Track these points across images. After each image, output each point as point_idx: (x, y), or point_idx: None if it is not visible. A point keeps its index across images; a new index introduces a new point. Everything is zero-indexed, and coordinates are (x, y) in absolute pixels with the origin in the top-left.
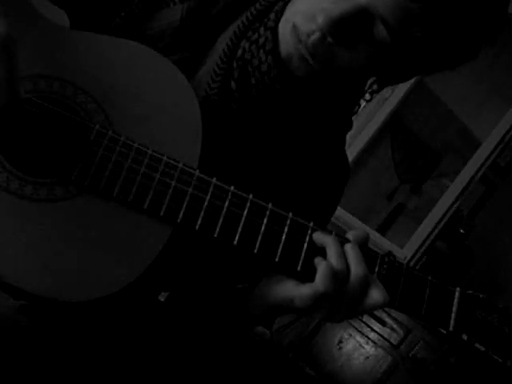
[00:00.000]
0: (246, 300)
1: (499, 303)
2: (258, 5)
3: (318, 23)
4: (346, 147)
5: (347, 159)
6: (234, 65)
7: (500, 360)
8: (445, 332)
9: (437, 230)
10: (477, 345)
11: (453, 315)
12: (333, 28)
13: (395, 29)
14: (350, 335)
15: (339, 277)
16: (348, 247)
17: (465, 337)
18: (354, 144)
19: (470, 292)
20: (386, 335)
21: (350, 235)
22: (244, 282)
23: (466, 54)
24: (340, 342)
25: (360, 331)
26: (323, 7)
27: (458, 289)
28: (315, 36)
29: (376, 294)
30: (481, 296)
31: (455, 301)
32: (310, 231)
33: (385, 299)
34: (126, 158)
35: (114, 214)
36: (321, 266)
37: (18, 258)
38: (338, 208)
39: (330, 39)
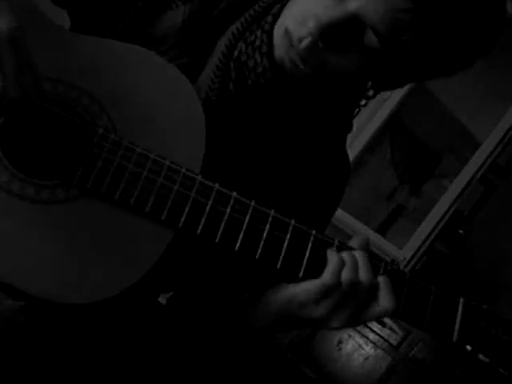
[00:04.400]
0: (249, 310)
1: (498, 303)
2: (256, 7)
3: (309, 28)
4: (346, 147)
5: (348, 160)
6: (232, 66)
7: (504, 372)
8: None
9: (436, 231)
10: (481, 356)
11: (456, 326)
12: (323, 34)
13: (385, 37)
14: (350, 336)
15: (348, 272)
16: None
17: (469, 348)
18: (354, 144)
19: (474, 303)
20: (385, 336)
21: (353, 242)
22: (247, 291)
23: (460, 63)
24: (339, 342)
25: (359, 332)
26: (314, 13)
27: (461, 299)
28: (306, 41)
29: (385, 300)
30: (485, 307)
31: (459, 311)
32: (312, 238)
33: (393, 307)
34: (129, 162)
35: (116, 217)
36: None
37: (18, 259)
38: (338, 208)
39: (320, 45)
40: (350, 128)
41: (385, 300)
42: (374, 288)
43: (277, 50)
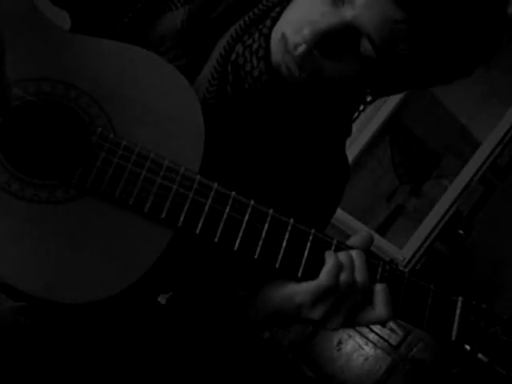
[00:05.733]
0: (247, 306)
1: (498, 304)
2: (256, 9)
3: (304, 35)
4: (346, 148)
5: (347, 162)
6: (229, 68)
7: (503, 372)
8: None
9: (436, 231)
10: (480, 356)
11: (455, 325)
12: (318, 41)
13: (380, 46)
14: (350, 336)
15: (344, 274)
16: (354, 253)
17: (467, 347)
18: (354, 145)
19: (473, 302)
20: (385, 336)
21: (356, 239)
22: (244, 288)
23: (458, 72)
24: (339, 342)
25: (359, 332)
26: (310, 20)
27: (460, 298)
28: (302, 48)
29: (381, 309)
30: (484, 306)
31: (457, 311)
32: (311, 237)
33: (387, 316)
34: (128, 162)
35: (115, 216)
36: (329, 258)
37: (18, 259)
38: (338, 209)
39: (315, 52)
40: (349, 132)
41: (380, 309)
42: (370, 291)
43: (273, 54)
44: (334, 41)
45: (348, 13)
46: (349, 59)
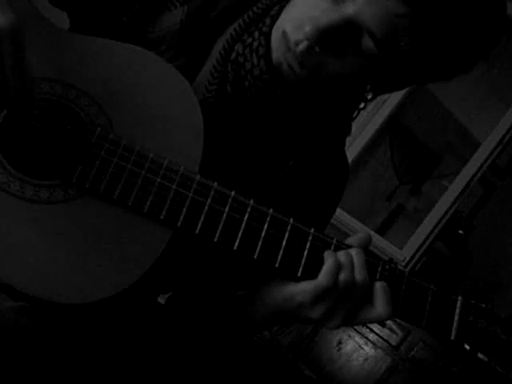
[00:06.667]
0: (247, 306)
1: (498, 303)
2: (255, 8)
3: (306, 32)
4: (346, 148)
5: (347, 161)
6: (229, 68)
7: (502, 371)
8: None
9: (436, 231)
10: (480, 355)
11: (454, 324)
12: (320, 38)
13: (382, 42)
14: (350, 336)
15: (344, 273)
16: (353, 251)
17: (467, 346)
18: (354, 145)
19: (473, 301)
20: (385, 336)
21: (353, 240)
22: (244, 288)
23: (459, 67)
24: (339, 343)
25: (359, 332)
26: (312, 16)
27: (459, 298)
28: (303, 45)
29: (381, 306)
30: (483, 306)
31: (457, 310)
32: (310, 237)
33: (387, 314)
34: (127, 162)
35: (114, 217)
36: (329, 259)
37: (17, 259)
38: (337, 209)
39: (317, 48)
40: (348, 130)
41: (380, 307)
42: (369, 289)
43: (274, 52)
44: (336, 37)
45: (349, 8)
46: (350, 55)
